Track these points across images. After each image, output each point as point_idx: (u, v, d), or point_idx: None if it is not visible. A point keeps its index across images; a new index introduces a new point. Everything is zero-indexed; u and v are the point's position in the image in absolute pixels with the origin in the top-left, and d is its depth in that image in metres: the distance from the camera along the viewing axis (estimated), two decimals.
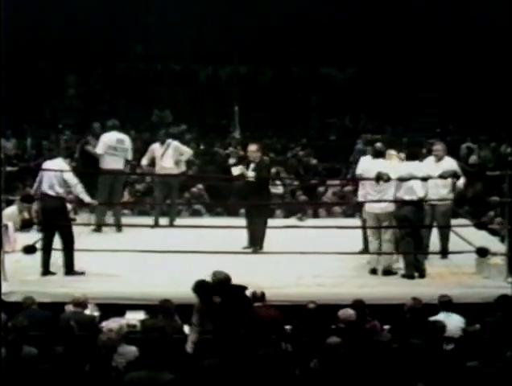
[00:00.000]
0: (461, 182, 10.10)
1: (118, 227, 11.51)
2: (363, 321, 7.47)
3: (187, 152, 12.23)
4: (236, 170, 10.64)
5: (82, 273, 9.32)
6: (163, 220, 11.81)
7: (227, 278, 7.52)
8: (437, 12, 18.99)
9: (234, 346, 6.86)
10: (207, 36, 19.52)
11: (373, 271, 9.53)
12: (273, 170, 13.57)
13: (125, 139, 11.71)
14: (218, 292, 7.43)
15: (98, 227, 11.39)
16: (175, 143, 12.03)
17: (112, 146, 11.50)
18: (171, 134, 13.05)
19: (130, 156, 11.73)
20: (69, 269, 9.34)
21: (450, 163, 10.11)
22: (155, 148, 11.96)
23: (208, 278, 7.62)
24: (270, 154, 15.37)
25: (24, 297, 7.96)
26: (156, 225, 11.59)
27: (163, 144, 11.93)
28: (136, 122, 17.99)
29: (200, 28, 19.47)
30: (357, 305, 7.72)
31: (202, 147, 17.37)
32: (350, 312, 7.45)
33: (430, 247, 10.17)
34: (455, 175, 9.69)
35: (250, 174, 10.33)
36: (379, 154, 9.66)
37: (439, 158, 10.16)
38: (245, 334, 7.07)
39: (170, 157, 11.84)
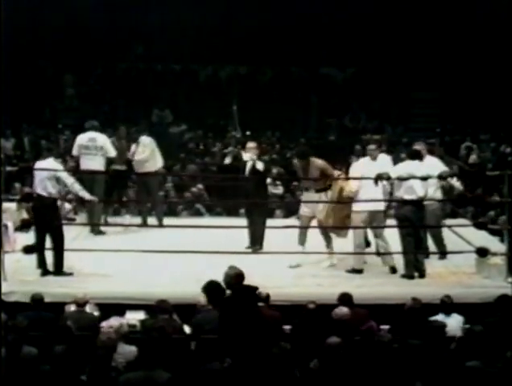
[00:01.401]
0: (459, 182, 10.13)
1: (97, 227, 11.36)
2: (353, 314, 7.48)
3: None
4: (228, 159, 10.66)
5: (71, 274, 9.32)
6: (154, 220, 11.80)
7: (239, 275, 7.49)
8: (437, 12, 18.99)
9: (238, 346, 6.85)
10: (207, 36, 19.50)
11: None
12: (274, 170, 13.56)
13: (98, 137, 11.38)
14: (229, 287, 7.44)
15: (93, 228, 11.32)
16: (145, 140, 11.84)
17: (83, 145, 11.35)
18: (148, 131, 12.80)
19: (110, 153, 11.34)
20: (58, 270, 9.33)
21: (431, 162, 10.11)
22: (133, 147, 11.91)
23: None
24: (270, 154, 15.38)
25: (33, 293, 7.92)
26: (144, 225, 11.55)
27: (138, 142, 11.88)
28: (136, 122, 17.95)
29: (200, 28, 19.46)
30: (344, 298, 7.74)
31: (202, 147, 17.39)
32: (344, 310, 7.44)
33: (428, 247, 10.18)
34: (454, 175, 9.71)
35: (245, 156, 10.34)
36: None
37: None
38: (250, 335, 7.04)
39: (140, 154, 11.72)
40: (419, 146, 10.27)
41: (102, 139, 11.40)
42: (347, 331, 7.12)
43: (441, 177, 9.66)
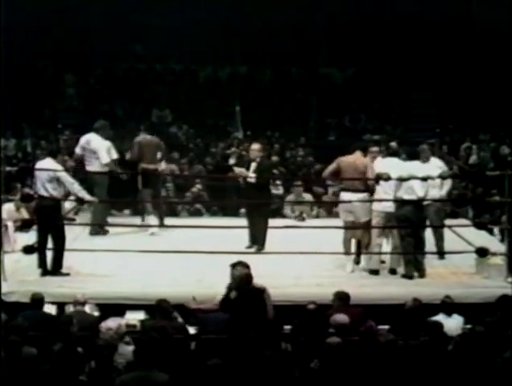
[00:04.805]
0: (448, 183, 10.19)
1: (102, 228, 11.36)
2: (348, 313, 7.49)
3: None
4: (236, 171, 10.57)
5: (68, 274, 9.32)
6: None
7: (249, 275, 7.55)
8: (437, 11, 18.99)
9: (244, 346, 6.85)
10: (207, 36, 19.50)
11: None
12: (275, 171, 13.55)
13: (93, 141, 11.25)
14: (237, 288, 7.46)
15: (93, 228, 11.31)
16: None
17: (82, 147, 11.39)
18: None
19: (102, 159, 11.17)
20: (55, 269, 9.34)
21: (436, 163, 10.11)
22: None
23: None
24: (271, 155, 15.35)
25: (33, 293, 7.91)
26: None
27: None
28: (136, 122, 17.96)
29: (200, 28, 19.46)
30: (341, 296, 7.76)
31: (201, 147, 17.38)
32: (343, 317, 7.38)
33: (426, 247, 10.16)
34: (455, 175, 9.72)
35: (251, 174, 10.28)
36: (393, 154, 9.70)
37: (424, 159, 10.07)
38: (256, 336, 7.05)
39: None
40: (425, 146, 10.32)
41: (95, 143, 11.25)
42: (344, 331, 7.13)
43: (441, 177, 9.68)
